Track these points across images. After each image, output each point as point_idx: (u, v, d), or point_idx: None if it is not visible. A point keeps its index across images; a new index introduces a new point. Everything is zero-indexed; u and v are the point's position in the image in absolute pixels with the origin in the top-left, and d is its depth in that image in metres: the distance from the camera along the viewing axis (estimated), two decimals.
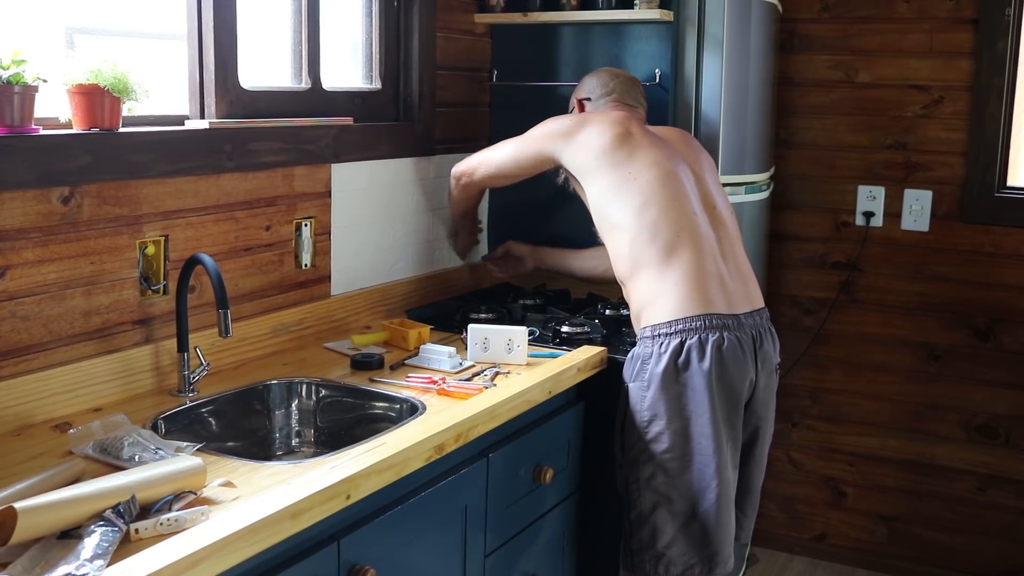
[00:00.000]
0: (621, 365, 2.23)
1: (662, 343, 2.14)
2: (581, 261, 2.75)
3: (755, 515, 2.37)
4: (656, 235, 2.19)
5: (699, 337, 2.12)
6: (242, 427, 2.04)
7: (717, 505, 2.13)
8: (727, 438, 2.15)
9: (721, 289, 2.19)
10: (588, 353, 2.29)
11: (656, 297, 2.17)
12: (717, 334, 2.13)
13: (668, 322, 2.14)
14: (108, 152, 1.87)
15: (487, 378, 2.11)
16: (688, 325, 2.13)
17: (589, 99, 2.57)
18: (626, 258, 2.23)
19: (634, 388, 2.17)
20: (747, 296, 2.26)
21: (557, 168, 2.45)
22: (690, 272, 2.17)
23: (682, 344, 2.12)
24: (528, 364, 2.22)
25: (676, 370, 2.12)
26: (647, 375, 2.15)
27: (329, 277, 2.47)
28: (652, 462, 2.14)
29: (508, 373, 2.16)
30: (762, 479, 2.35)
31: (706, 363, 2.11)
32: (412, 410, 1.96)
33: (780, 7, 3.11)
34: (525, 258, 2.86)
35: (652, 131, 2.41)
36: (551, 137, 2.42)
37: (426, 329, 2.39)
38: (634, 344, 2.22)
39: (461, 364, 2.20)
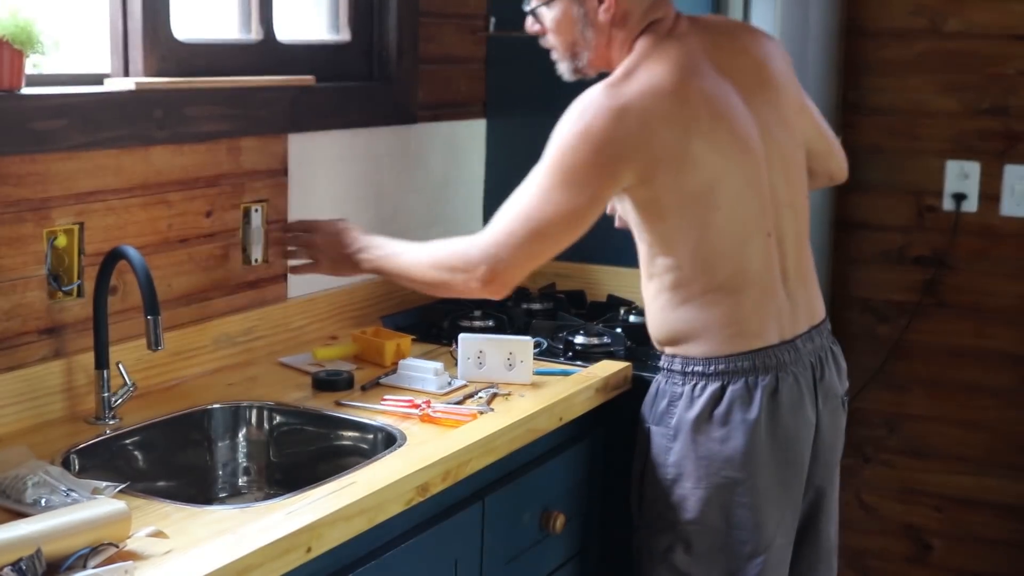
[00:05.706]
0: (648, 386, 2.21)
1: (696, 384, 2.08)
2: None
3: None
4: (711, 271, 2.06)
5: (746, 381, 2.05)
6: (176, 463, 2.04)
7: None
8: (778, 506, 2.09)
9: (778, 315, 2.10)
10: (609, 370, 2.29)
11: (694, 331, 2.09)
12: (769, 376, 2.06)
13: (705, 359, 2.07)
14: (7, 119, 1.87)
15: (482, 401, 2.11)
16: (732, 366, 2.05)
17: None
18: (659, 282, 2.11)
19: (657, 434, 2.11)
20: (808, 307, 2.17)
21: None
22: (744, 306, 2.07)
23: (723, 389, 2.06)
24: (533, 384, 2.22)
25: (712, 422, 2.06)
26: (674, 421, 2.09)
27: (285, 276, 2.48)
28: (672, 532, 2.09)
29: (509, 395, 2.16)
30: (834, 541, 2.26)
31: (753, 413, 2.04)
32: (389, 441, 1.96)
33: None
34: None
35: (711, 64, 2.08)
36: (605, 161, 1.99)
37: (406, 340, 2.39)
38: (658, 367, 2.16)
39: (450, 384, 2.21)
